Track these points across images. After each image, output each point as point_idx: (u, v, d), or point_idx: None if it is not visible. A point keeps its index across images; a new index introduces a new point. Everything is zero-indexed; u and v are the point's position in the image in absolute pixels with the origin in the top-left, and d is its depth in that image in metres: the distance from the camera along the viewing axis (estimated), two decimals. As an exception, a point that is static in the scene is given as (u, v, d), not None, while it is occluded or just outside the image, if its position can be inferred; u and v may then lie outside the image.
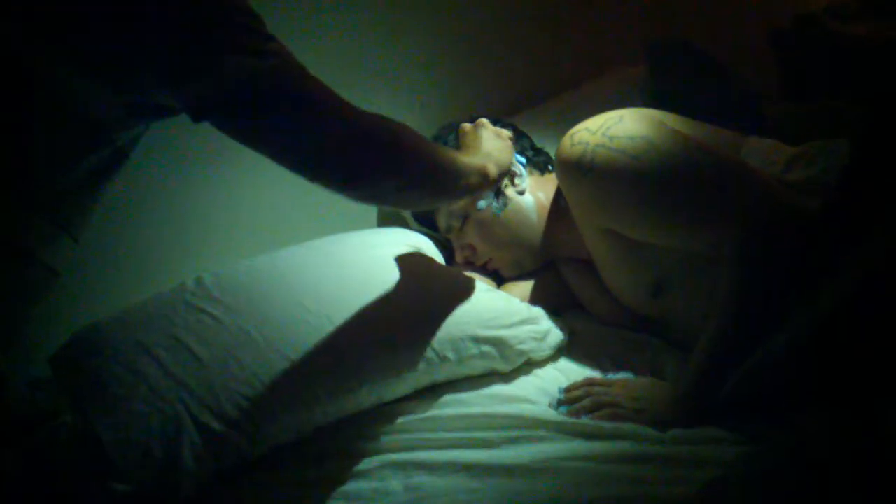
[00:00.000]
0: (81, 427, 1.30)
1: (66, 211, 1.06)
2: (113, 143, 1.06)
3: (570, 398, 1.37)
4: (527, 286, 1.71)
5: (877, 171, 1.16)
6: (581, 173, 1.41)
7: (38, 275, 1.06)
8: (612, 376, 1.43)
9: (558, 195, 1.62)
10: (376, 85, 1.87)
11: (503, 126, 1.62)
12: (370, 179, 1.14)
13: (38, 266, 1.05)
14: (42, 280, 1.08)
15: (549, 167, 1.73)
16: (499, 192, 1.66)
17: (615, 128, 1.40)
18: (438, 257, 1.73)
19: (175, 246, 1.79)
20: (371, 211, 2.04)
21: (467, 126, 1.53)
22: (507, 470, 1.21)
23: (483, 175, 1.36)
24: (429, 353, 1.40)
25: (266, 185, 1.86)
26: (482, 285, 1.58)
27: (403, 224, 1.93)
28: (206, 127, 1.15)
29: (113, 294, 1.68)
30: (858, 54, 1.60)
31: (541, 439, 1.28)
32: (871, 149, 1.19)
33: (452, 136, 1.60)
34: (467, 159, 1.35)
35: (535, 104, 2.05)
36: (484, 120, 1.53)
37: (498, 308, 1.51)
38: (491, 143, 1.46)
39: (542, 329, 1.51)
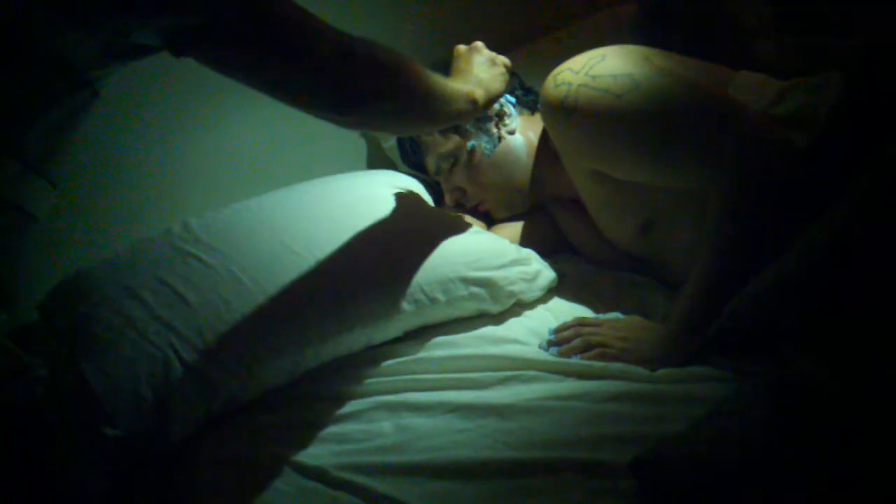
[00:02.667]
0: (71, 372, 1.30)
1: (38, 153, 1.04)
2: (90, 85, 1.04)
3: (560, 339, 1.37)
4: (517, 228, 1.71)
5: (869, 104, 1.15)
6: (565, 114, 1.39)
7: (11, 219, 1.04)
8: (601, 316, 1.43)
9: (547, 135, 1.60)
10: (361, 20, 1.85)
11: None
12: (364, 104, 1.13)
13: (9, 209, 1.03)
14: (17, 224, 1.06)
15: (539, 107, 1.71)
16: (488, 133, 1.64)
17: (598, 66, 1.37)
18: (428, 200, 1.72)
19: (161, 191, 1.78)
20: (360, 154, 2.03)
21: (462, 48, 1.51)
22: (498, 410, 1.21)
23: (471, 101, 1.34)
24: (418, 295, 1.40)
25: (253, 128, 1.85)
26: (472, 227, 1.57)
27: (393, 167, 1.92)
28: (190, 69, 1.13)
29: (101, 241, 1.67)
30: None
31: (531, 379, 1.28)
32: (864, 82, 1.17)
33: (442, 73, 1.57)
34: (456, 85, 1.33)
35: (525, 43, 2.02)
36: (479, 44, 1.50)
37: (488, 249, 1.50)
38: (483, 70, 1.45)
39: (533, 270, 1.50)
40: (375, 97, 1.14)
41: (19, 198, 1.04)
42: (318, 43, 1.07)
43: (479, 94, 1.37)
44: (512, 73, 1.71)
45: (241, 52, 1.04)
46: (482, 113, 1.42)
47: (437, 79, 1.27)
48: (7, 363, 1.07)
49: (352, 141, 2.00)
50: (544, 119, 1.48)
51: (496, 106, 1.62)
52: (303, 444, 1.24)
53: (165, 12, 0.98)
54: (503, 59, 1.51)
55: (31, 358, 1.15)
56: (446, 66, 1.51)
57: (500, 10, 2.07)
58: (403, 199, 1.60)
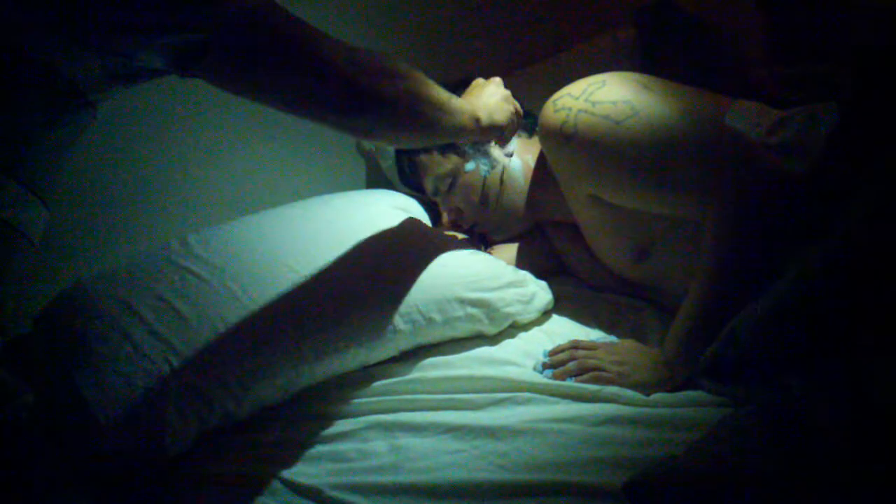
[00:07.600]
0: (66, 386, 1.30)
1: (36, 174, 1.04)
2: (91, 107, 1.04)
3: (555, 361, 1.37)
4: (514, 249, 1.71)
5: (864, 133, 1.15)
6: (564, 140, 1.40)
7: (9, 240, 1.04)
8: (597, 340, 1.43)
9: (544, 158, 1.61)
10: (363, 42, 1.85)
11: None
12: (371, 105, 1.15)
13: (8, 231, 1.03)
14: (14, 246, 1.05)
15: (538, 130, 1.72)
16: (486, 155, 1.65)
17: (598, 93, 1.38)
18: (426, 220, 1.72)
19: (161, 207, 1.78)
20: (359, 174, 2.03)
21: (480, 79, 1.53)
22: (492, 431, 1.21)
23: (474, 119, 1.36)
24: (415, 315, 1.40)
25: (253, 146, 1.85)
26: (469, 248, 1.58)
27: (391, 187, 1.92)
28: (189, 88, 1.13)
29: (99, 255, 1.67)
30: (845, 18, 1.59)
31: (525, 401, 1.28)
32: (859, 110, 1.18)
33: None
34: (461, 101, 1.35)
35: (525, 66, 2.03)
36: (497, 79, 1.53)
37: (484, 270, 1.50)
38: (492, 99, 1.46)
39: (529, 292, 1.51)
40: (382, 99, 1.15)
41: (17, 219, 1.03)
42: (322, 49, 1.09)
43: (483, 114, 1.39)
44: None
45: (245, 66, 1.05)
46: (481, 138, 1.42)
47: (442, 91, 1.29)
48: None
49: (350, 160, 2.01)
50: (542, 144, 1.49)
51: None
52: (297, 462, 1.24)
53: (167, 31, 0.99)
54: (517, 104, 1.52)
55: (19, 382, 1.15)
56: (454, 89, 1.52)
57: (499, 33, 2.08)
58: (401, 219, 1.60)
